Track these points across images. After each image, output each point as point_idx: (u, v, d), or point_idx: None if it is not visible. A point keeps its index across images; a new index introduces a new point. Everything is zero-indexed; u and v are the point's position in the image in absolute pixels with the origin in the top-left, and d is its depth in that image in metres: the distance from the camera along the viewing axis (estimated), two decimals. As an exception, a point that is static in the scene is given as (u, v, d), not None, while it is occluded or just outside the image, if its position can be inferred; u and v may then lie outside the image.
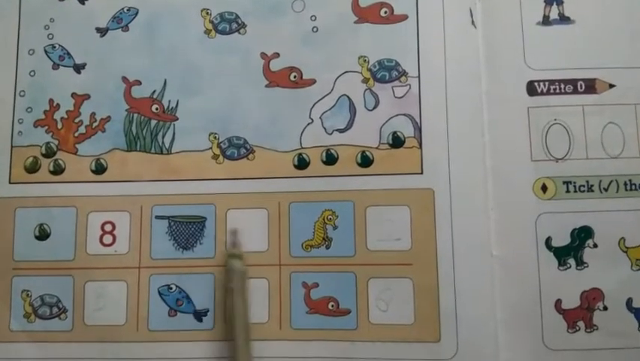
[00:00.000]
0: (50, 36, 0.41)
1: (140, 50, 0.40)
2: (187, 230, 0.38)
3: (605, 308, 0.36)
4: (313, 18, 0.40)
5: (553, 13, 0.39)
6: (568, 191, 0.37)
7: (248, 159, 0.39)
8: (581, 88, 0.38)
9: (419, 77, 0.39)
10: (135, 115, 0.40)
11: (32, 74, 0.40)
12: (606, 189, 0.37)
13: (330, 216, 0.38)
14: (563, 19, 0.39)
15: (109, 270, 0.38)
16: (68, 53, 0.41)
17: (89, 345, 0.38)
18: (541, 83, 0.38)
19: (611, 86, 0.38)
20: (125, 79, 0.40)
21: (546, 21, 0.39)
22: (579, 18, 0.39)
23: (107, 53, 0.40)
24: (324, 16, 0.40)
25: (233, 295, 0.36)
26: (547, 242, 0.37)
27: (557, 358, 0.36)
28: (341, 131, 0.39)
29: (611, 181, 0.37)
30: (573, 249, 0.37)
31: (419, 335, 0.36)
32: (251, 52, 0.40)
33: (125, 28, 0.41)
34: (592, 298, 0.37)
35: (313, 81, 0.39)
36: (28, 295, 0.38)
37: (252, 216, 0.38)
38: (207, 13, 0.40)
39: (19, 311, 0.38)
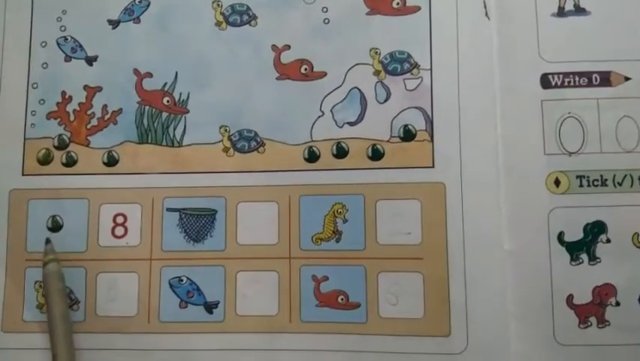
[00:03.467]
0: (62, 28, 0.41)
1: (151, 43, 0.40)
2: (198, 223, 0.38)
3: (618, 304, 0.36)
4: (324, 10, 0.39)
5: (569, 5, 0.38)
6: (581, 185, 0.37)
7: (258, 151, 0.38)
8: (596, 81, 0.37)
9: (431, 69, 0.38)
10: (147, 107, 0.39)
11: (45, 66, 0.40)
12: (620, 184, 0.37)
13: (340, 210, 0.37)
14: (578, 10, 0.38)
15: (120, 262, 0.38)
16: (80, 45, 0.40)
17: (101, 336, 0.38)
18: (556, 76, 0.38)
19: (627, 79, 0.37)
20: (136, 71, 0.40)
21: (561, 12, 0.38)
22: (594, 9, 0.38)
23: (118, 45, 0.40)
24: (336, 7, 0.39)
25: (51, 298, 0.36)
26: (560, 237, 0.36)
27: (568, 353, 0.36)
28: (352, 124, 0.38)
29: (625, 176, 0.37)
30: (586, 244, 0.36)
31: (429, 329, 0.36)
32: (262, 44, 0.39)
33: (137, 21, 0.40)
34: (604, 294, 0.36)
35: (324, 74, 0.39)
36: (41, 286, 0.38)
37: (262, 209, 0.38)
38: (218, 5, 0.40)
39: (32, 302, 0.38)
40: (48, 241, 0.38)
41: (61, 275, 0.37)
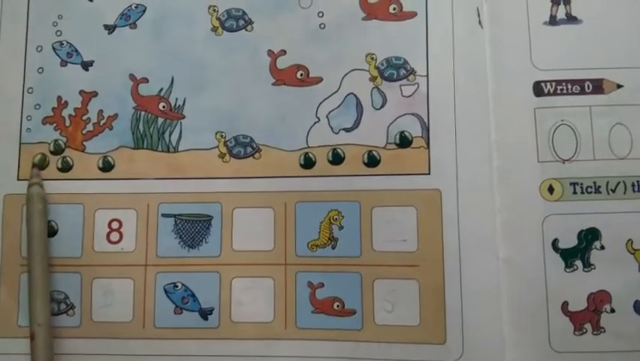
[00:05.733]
0: (58, 33, 0.38)
1: (147, 48, 0.37)
2: (193, 228, 0.35)
3: (613, 311, 0.33)
4: (320, 14, 0.36)
5: (561, 13, 0.36)
6: (575, 192, 0.34)
7: (254, 157, 0.35)
8: (589, 88, 0.35)
9: (427, 75, 0.35)
10: (142, 113, 0.37)
11: (40, 71, 0.37)
12: (613, 191, 0.34)
13: (336, 217, 0.35)
14: (570, 18, 0.36)
15: (116, 267, 0.36)
16: (76, 50, 0.37)
17: (96, 341, 0.35)
18: (548, 84, 0.35)
19: (619, 86, 0.35)
20: (132, 76, 0.37)
21: (553, 21, 0.36)
22: (586, 18, 0.36)
23: (114, 50, 0.37)
24: (332, 12, 0.36)
25: (31, 220, 0.34)
26: (554, 244, 0.34)
27: (564, 360, 0.33)
28: (348, 130, 0.35)
29: (619, 182, 0.34)
30: (580, 251, 0.34)
31: (425, 336, 0.33)
32: (258, 49, 0.37)
33: (133, 26, 0.37)
34: (599, 301, 0.34)
35: (320, 79, 0.36)
36: None
37: (257, 215, 0.35)
38: (214, 10, 0.37)
39: (27, 307, 0.35)
40: (34, 166, 0.36)
41: (43, 198, 0.35)
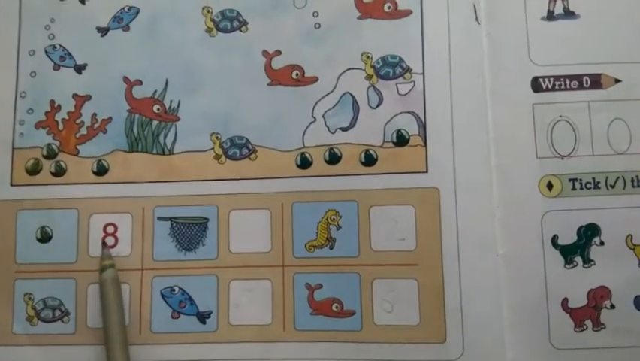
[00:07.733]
0: (51, 36, 0.39)
1: (141, 50, 0.38)
2: (189, 231, 0.36)
3: (613, 307, 0.34)
4: (315, 14, 0.37)
5: (558, 8, 0.37)
6: (574, 188, 0.35)
7: (250, 159, 0.36)
8: (587, 84, 0.36)
9: (424, 73, 0.36)
10: (137, 115, 0.37)
11: (33, 75, 0.38)
12: (613, 186, 0.35)
13: (333, 217, 0.35)
14: (568, 13, 0.37)
15: None
16: (69, 54, 0.38)
17: (92, 348, 0.36)
18: (546, 79, 0.36)
19: (617, 81, 0.36)
20: (126, 79, 0.38)
21: (551, 16, 0.37)
22: (584, 13, 0.37)
23: (108, 53, 0.38)
24: (327, 11, 0.37)
25: (108, 305, 0.34)
26: (554, 240, 0.35)
27: (564, 357, 0.34)
28: (344, 129, 0.36)
29: (618, 178, 0.35)
30: (580, 247, 0.35)
31: (425, 335, 0.34)
32: (252, 50, 0.38)
33: (126, 28, 0.38)
34: (599, 297, 0.34)
35: (315, 79, 0.37)
36: (30, 298, 0.36)
37: (254, 216, 0.36)
38: (208, 11, 0.38)
39: (22, 314, 0.36)
40: (105, 245, 0.36)
41: (115, 280, 0.35)
